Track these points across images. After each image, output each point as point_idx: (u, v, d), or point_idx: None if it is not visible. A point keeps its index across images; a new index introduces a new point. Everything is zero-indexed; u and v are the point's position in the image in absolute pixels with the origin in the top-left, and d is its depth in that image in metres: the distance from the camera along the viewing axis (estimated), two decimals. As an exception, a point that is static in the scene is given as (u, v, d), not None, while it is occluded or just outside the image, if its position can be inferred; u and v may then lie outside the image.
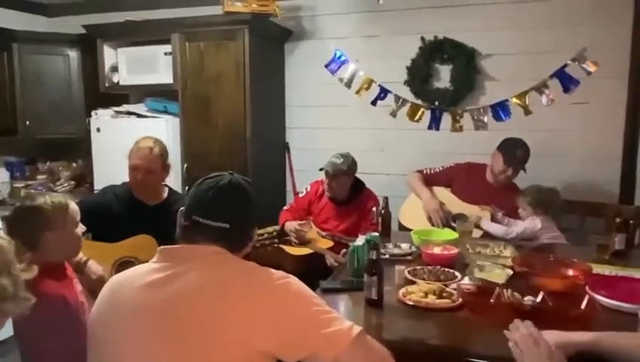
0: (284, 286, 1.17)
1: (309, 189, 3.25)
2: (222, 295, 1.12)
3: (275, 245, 2.32)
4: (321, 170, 3.04)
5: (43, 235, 1.60)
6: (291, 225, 3.00)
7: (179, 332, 1.10)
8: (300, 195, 3.30)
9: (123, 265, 2.15)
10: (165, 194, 2.48)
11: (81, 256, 2.04)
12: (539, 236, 2.66)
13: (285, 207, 3.30)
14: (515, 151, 2.94)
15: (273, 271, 1.20)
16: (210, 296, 1.12)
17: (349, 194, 3.11)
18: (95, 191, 3.76)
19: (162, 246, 1.24)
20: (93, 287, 1.83)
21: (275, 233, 2.30)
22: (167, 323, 1.11)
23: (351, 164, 3.04)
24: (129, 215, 2.38)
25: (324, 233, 3.02)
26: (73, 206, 1.72)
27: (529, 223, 2.68)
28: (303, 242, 2.93)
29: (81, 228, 1.76)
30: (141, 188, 2.41)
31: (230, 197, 1.25)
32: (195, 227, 1.22)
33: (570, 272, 1.94)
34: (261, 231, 2.31)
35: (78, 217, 1.74)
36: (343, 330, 1.13)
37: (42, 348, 1.44)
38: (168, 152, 2.47)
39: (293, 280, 1.19)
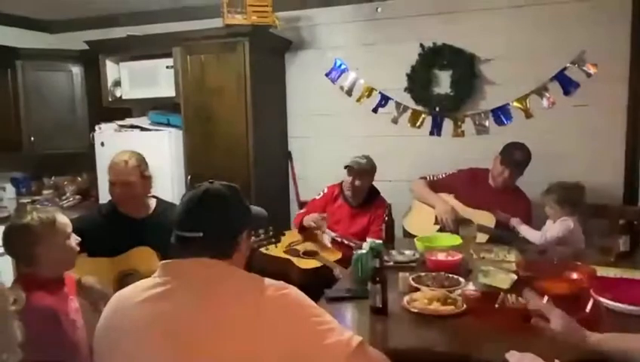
0: (281, 298, 1.15)
1: (325, 191, 3.31)
2: (218, 312, 1.10)
3: (272, 244, 2.32)
4: (346, 167, 3.10)
5: (34, 251, 1.61)
6: (312, 216, 3.04)
7: (182, 351, 1.08)
8: (317, 197, 3.32)
9: (125, 278, 2.13)
10: (153, 206, 2.45)
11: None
12: (576, 239, 2.63)
13: (300, 211, 3.34)
14: (513, 153, 2.94)
15: (271, 281, 1.18)
16: (207, 314, 1.10)
17: (365, 198, 3.15)
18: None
19: (163, 261, 1.24)
20: (96, 301, 1.82)
21: (270, 233, 2.29)
22: (170, 341, 1.09)
23: (373, 165, 3.15)
24: (114, 230, 2.33)
25: (333, 234, 3.05)
26: (61, 218, 1.71)
27: (562, 225, 2.64)
28: (321, 232, 2.99)
29: (74, 239, 1.75)
30: (123, 202, 2.40)
31: (202, 205, 1.23)
32: (177, 241, 1.23)
33: (575, 276, 1.95)
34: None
35: (69, 229, 1.73)
36: (342, 341, 1.12)
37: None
38: (147, 163, 2.43)
39: (292, 290, 1.18)
